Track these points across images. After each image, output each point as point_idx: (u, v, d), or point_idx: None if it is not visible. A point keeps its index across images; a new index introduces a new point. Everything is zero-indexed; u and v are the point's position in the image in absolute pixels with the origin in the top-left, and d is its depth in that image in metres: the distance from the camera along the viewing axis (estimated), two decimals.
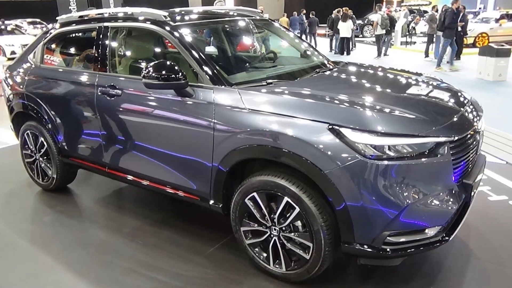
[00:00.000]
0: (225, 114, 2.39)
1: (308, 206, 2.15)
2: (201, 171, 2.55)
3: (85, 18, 3.34)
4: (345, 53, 13.92)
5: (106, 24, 3.11)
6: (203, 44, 3.24)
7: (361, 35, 19.10)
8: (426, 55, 12.27)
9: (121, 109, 2.90)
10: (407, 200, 2.01)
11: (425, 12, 19.95)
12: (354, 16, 14.88)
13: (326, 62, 3.30)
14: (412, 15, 18.91)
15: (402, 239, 2.08)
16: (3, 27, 15.05)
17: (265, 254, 2.45)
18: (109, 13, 3.21)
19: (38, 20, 20.56)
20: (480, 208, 3.15)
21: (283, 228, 2.30)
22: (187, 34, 2.74)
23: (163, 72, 2.43)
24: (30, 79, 3.59)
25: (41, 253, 2.87)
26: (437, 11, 12.41)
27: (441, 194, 2.11)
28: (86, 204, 3.69)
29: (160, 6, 3.06)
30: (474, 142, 2.34)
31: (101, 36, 3.09)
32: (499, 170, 3.96)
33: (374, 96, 2.42)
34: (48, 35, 3.59)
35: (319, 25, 16.12)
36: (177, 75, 2.43)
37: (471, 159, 2.32)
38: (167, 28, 2.76)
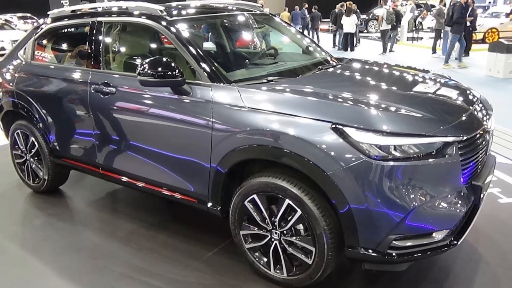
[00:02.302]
0: (223, 112, 2.34)
1: (310, 208, 2.10)
2: (198, 172, 2.49)
3: (78, 12, 3.29)
4: (349, 49, 13.82)
5: (99, 19, 3.06)
6: (201, 40, 3.18)
7: (365, 31, 18.92)
8: (434, 51, 12.15)
9: (115, 107, 2.85)
10: (414, 203, 1.97)
11: (433, 6, 19.61)
12: (358, 10, 14.71)
13: (329, 58, 3.25)
14: (419, 9, 18.56)
15: (409, 243, 2.03)
16: None
17: (265, 259, 2.40)
18: (102, 7, 3.16)
19: (28, 14, 20.28)
20: (490, 211, 3.11)
21: (284, 232, 2.26)
22: (184, 30, 2.70)
23: (159, 69, 2.38)
24: (21, 76, 3.53)
25: (32, 258, 2.81)
26: (445, 5, 12.24)
27: (449, 196, 2.06)
28: (78, 206, 3.63)
29: (156, 1, 2.99)
30: (484, 142, 2.29)
31: (94, 32, 3.04)
32: (509, 171, 3.90)
33: (379, 94, 2.38)
34: (39, 30, 3.53)
35: (322, 20, 16.08)
36: (174, 72, 2.38)
37: (480, 159, 2.27)
38: (163, 23, 2.71)
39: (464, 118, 2.21)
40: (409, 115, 2.10)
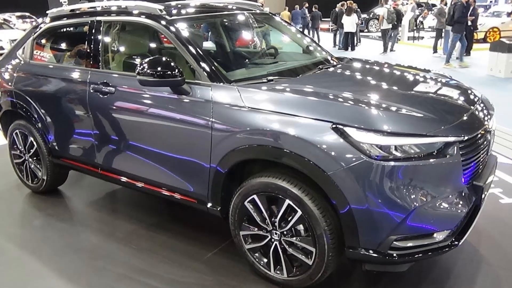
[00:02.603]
0: (223, 112, 2.32)
1: (311, 209, 2.08)
2: (198, 172, 2.48)
3: (77, 12, 3.27)
4: (349, 48, 13.77)
5: (98, 18, 3.04)
6: (201, 39, 3.16)
7: (366, 30, 18.81)
8: (435, 50, 12.09)
9: (114, 107, 2.83)
10: (415, 203, 1.95)
11: (434, 5, 19.51)
12: (359, 9, 14.66)
13: (329, 58, 3.23)
14: (420, 8, 18.43)
15: (409, 244, 2.02)
16: None
17: (265, 260, 2.39)
18: (102, 6, 3.15)
19: (27, 14, 20.25)
20: (491, 211, 3.09)
21: (285, 232, 2.24)
22: (183, 29, 2.68)
23: (159, 69, 2.37)
24: (19, 76, 3.51)
25: (30, 259, 2.79)
26: (446, 4, 12.20)
27: (450, 196, 2.05)
28: (77, 207, 3.61)
29: (156, 0, 2.98)
30: (485, 142, 2.27)
31: (93, 31, 3.02)
32: (511, 171, 3.88)
33: (380, 94, 2.36)
34: (38, 29, 3.51)
35: (322, 19, 15.99)
36: (173, 72, 2.37)
37: (481, 159, 2.25)
38: (163, 22, 2.69)
39: (465, 118, 2.20)
40: (410, 115, 2.08)
